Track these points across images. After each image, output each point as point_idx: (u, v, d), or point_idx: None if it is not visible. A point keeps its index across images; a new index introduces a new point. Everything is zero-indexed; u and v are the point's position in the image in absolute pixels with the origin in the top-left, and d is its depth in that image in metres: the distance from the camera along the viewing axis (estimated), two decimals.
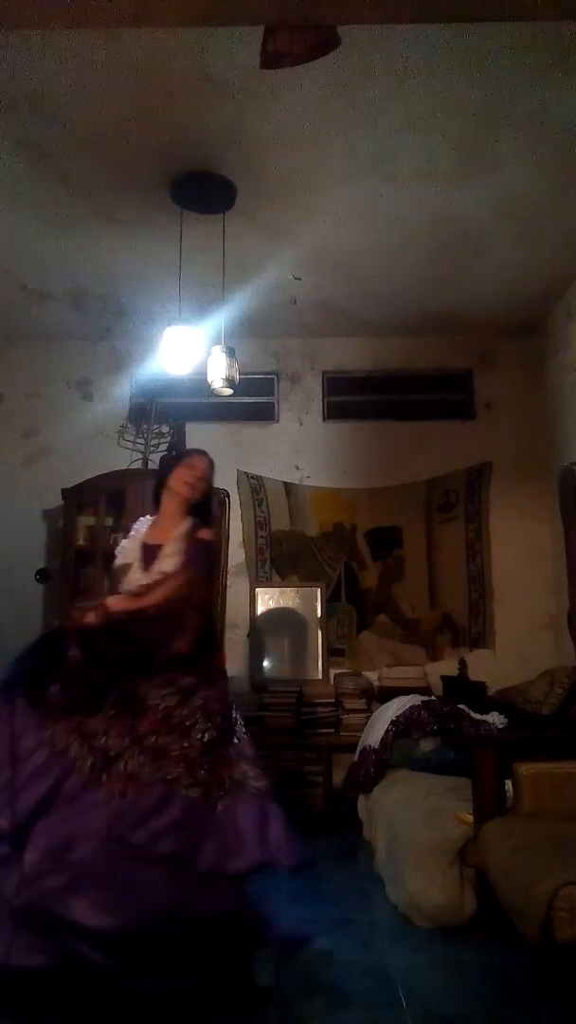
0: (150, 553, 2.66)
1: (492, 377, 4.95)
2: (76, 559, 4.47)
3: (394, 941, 2.49)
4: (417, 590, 4.76)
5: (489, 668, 4.48)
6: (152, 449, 4.84)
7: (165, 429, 4.88)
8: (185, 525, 2.69)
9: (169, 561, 2.59)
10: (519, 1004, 2.07)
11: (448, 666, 4.54)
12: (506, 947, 2.31)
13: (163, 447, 4.85)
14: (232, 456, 4.79)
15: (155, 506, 2.86)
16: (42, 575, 4.78)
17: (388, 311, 4.60)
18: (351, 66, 2.62)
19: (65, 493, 4.52)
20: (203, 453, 2.88)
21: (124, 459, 4.83)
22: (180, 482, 2.76)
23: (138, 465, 4.81)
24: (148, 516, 2.87)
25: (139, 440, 4.88)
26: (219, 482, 4.50)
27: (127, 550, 2.73)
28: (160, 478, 2.86)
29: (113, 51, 2.59)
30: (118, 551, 2.78)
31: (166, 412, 4.86)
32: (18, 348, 5.01)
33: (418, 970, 2.28)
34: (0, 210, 3.53)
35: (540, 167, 3.21)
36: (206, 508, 2.83)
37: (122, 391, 5.00)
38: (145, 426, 4.87)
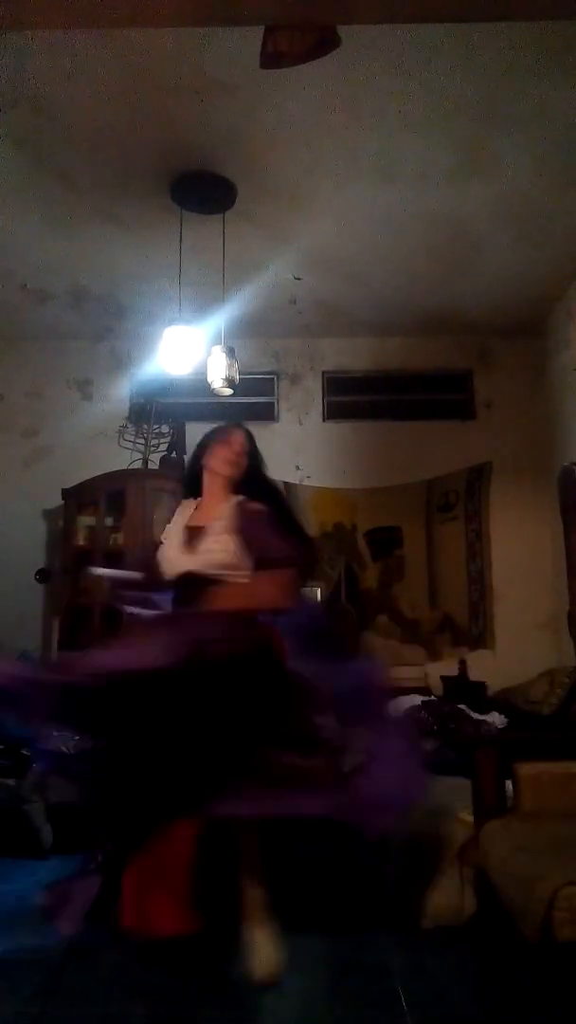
0: (193, 535, 2.42)
1: (492, 377, 4.95)
2: (76, 559, 4.46)
3: (394, 941, 2.49)
4: (417, 590, 4.76)
5: (489, 668, 4.47)
6: (152, 449, 4.84)
7: (165, 429, 4.88)
8: (232, 501, 2.48)
9: (218, 539, 2.36)
10: (519, 1004, 2.07)
11: (448, 666, 4.52)
12: (506, 947, 2.30)
13: (163, 447, 4.85)
14: None
15: (194, 490, 2.61)
16: (42, 575, 4.78)
17: (388, 311, 4.60)
18: (351, 66, 2.62)
19: (65, 493, 4.52)
20: (239, 426, 2.63)
21: (124, 459, 4.82)
22: (219, 460, 2.52)
23: (138, 465, 4.80)
24: (191, 499, 2.62)
25: (139, 440, 4.87)
26: None
27: (170, 533, 2.51)
28: (196, 459, 2.61)
29: (113, 51, 2.59)
30: (163, 537, 2.56)
31: (166, 412, 4.86)
32: (18, 348, 5.00)
33: (417, 970, 2.28)
34: (0, 210, 3.53)
35: (540, 167, 3.22)
36: (255, 483, 2.56)
37: (122, 391, 5.00)
38: (145, 426, 4.87)
